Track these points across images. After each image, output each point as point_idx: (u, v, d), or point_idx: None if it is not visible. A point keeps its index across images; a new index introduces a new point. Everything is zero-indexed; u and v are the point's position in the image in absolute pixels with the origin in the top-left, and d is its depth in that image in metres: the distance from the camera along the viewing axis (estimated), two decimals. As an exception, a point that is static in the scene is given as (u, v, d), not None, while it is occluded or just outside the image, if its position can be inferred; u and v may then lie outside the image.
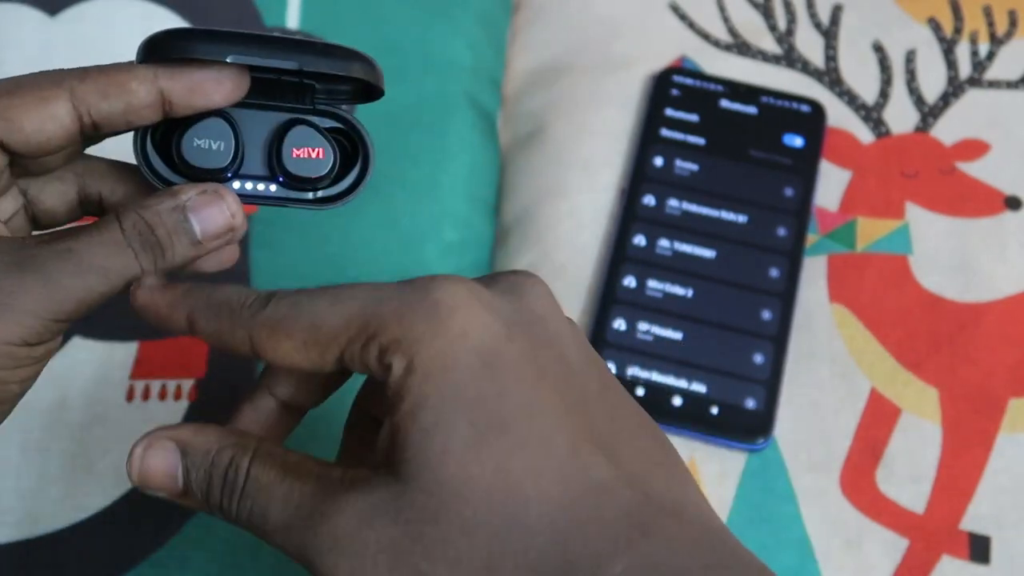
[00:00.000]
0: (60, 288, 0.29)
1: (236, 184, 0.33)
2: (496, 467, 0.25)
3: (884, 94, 0.56)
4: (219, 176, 0.32)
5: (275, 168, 0.33)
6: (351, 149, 0.34)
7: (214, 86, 0.31)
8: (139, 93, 0.30)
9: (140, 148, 0.32)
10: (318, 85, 0.33)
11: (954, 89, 0.56)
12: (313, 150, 0.33)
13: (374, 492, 0.26)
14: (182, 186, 0.31)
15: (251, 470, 0.28)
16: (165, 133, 0.32)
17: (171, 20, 0.53)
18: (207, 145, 0.32)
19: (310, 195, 0.34)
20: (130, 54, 0.54)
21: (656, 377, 0.47)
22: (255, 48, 0.32)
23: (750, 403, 0.47)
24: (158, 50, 0.31)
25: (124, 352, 0.45)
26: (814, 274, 0.51)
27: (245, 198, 0.33)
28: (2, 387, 0.30)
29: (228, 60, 0.31)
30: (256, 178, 0.33)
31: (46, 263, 0.29)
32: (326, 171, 0.33)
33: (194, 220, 0.30)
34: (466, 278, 0.28)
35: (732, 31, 0.57)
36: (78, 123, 0.30)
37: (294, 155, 0.33)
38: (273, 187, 0.33)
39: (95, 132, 0.31)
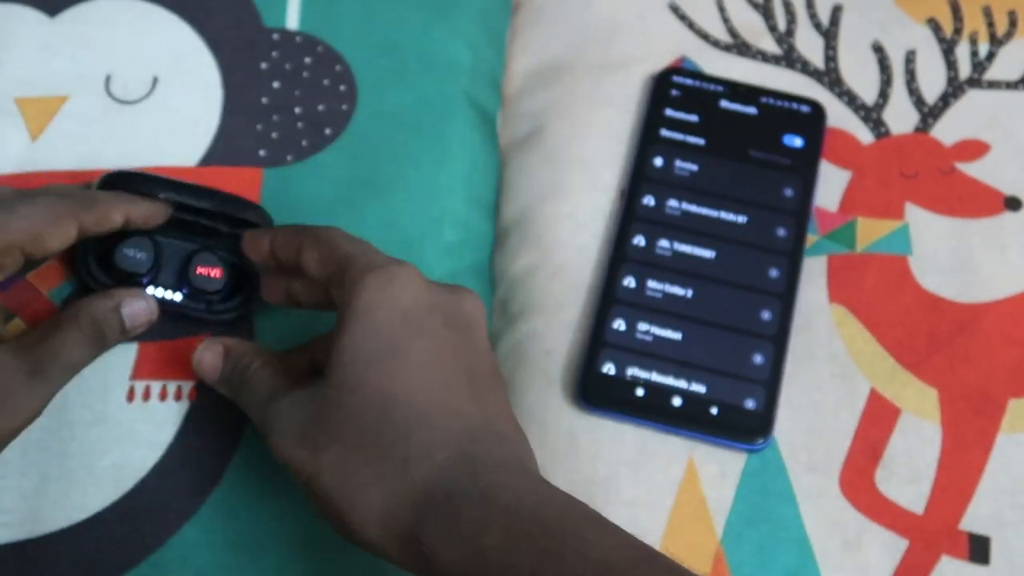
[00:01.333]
0: (52, 386, 0.40)
1: (151, 289, 0.44)
2: (385, 379, 0.36)
3: (884, 94, 0.56)
4: (139, 280, 0.44)
5: (181, 281, 0.45)
6: (246, 276, 0.45)
7: (156, 213, 0.44)
8: (116, 220, 0.43)
9: (83, 259, 0.44)
10: (223, 228, 0.45)
11: (954, 89, 0.56)
12: (212, 269, 0.44)
13: (307, 388, 0.38)
14: (115, 290, 0.43)
15: (257, 369, 0.41)
16: (99, 245, 0.44)
17: (170, 21, 0.53)
18: (134, 255, 0.43)
19: (204, 307, 0.45)
20: (130, 55, 0.54)
21: (656, 377, 0.47)
22: (180, 190, 0.45)
23: (750, 403, 0.47)
24: (119, 185, 0.44)
25: (124, 353, 0.45)
26: (814, 274, 0.51)
27: (157, 301, 0.44)
28: None
29: (160, 196, 0.44)
30: (167, 286, 0.45)
31: (44, 369, 0.40)
32: (220, 287, 0.45)
33: (125, 315, 0.42)
34: (422, 275, 0.39)
35: (732, 31, 0.57)
36: (76, 237, 0.42)
37: (197, 272, 0.44)
38: (178, 296, 0.45)
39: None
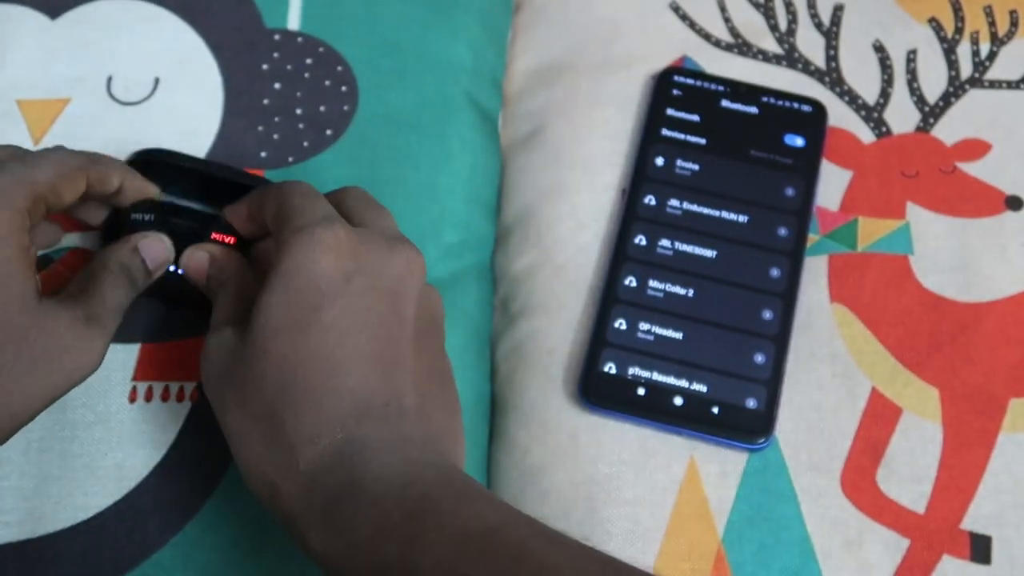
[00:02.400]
0: (107, 332, 0.40)
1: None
2: (289, 350, 0.36)
3: (885, 94, 0.56)
4: None
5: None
6: None
7: (149, 188, 0.45)
8: (113, 182, 0.43)
9: (106, 229, 0.45)
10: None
11: (955, 89, 0.56)
12: (227, 237, 0.44)
13: (234, 334, 0.38)
14: (131, 235, 0.43)
15: (226, 284, 0.41)
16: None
17: (171, 22, 0.53)
18: (141, 217, 0.44)
19: None
20: (131, 56, 0.54)
21: (657, 377, 0.47)
22: (206, 164, 0.47)
23: (751, 403, 0.47)
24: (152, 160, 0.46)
25: (126, 354, 0.45)
26: (815, 274, 0.51)
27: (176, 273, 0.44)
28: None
29: (186, 165, 0.46)
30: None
31: (99, 315, 0.39)
32: None
33: (144, 256, 0.42)
34: (354, 231, 0.38)
35: (733, 31, 0.57)
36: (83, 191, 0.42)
37: (212, 237, 0.44)
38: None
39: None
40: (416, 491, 0.34)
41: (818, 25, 0.57)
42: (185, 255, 0.43)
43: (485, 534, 0.32)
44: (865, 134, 0.54)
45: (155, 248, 0.43)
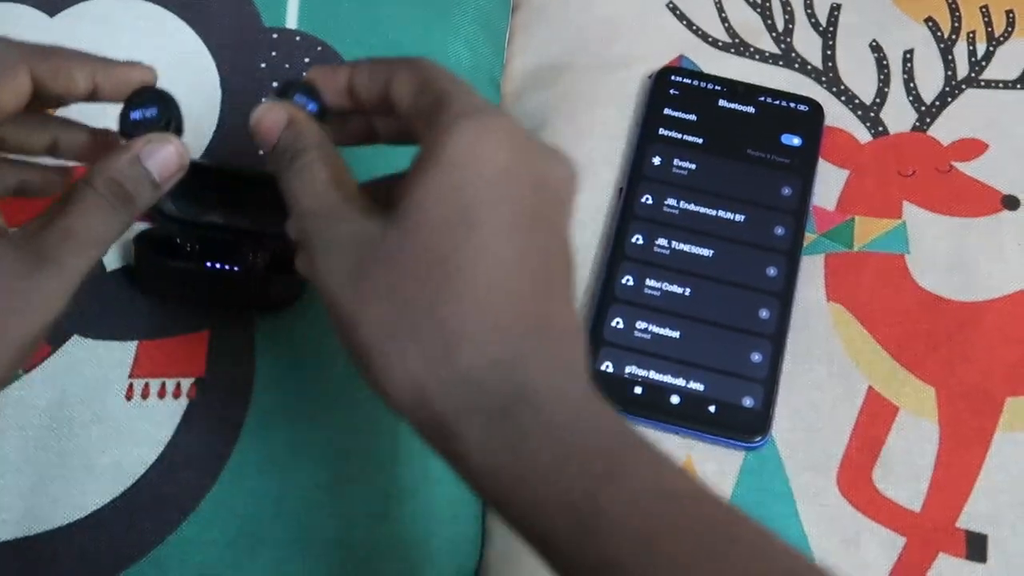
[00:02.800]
0: (69, 272, 0.34)
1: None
2: (452, 246, 0.31)
3: (882, 94, 0.56)
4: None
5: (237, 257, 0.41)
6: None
7: (136, 76, 0.38)
8: (77, 81, 0.36)
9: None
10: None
11: (952, 89, 0.56)
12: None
13: (369, 220, 0.33)
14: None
15: (314, 161, 0.35)
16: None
17: (170, 20, 0.53)
18: (141, 115, 0.37)
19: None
20: (129, 54, 0.54)
21: (654, 375, 0.48)
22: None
23: (748, 402, 0.47)
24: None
25: (123, 351, 0.45)
26: (812, 273, 0.51)
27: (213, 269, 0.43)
28: (9, 376, 0.34)
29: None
30: (222, 261, 0.43)
31: (55, 254, 0.33)
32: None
33: (151, 166, 0.36)
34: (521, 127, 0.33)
35: (730, 31, 0.57)
36: (32, 93, 0.36)
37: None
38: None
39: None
40: (598, 434, 0.31)
41: (815, 25, 0.58)
42: (259, 110, 0.36)
43: (681, 497, 0.30)
44: (862, 134, 0.55)
45: (165, 157, 0.36)
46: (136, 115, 0.36)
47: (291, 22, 0.54)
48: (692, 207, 0.51)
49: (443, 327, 0.31)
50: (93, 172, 0.35)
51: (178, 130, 0.37)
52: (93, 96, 0.37)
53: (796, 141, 0.53)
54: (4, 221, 0.35)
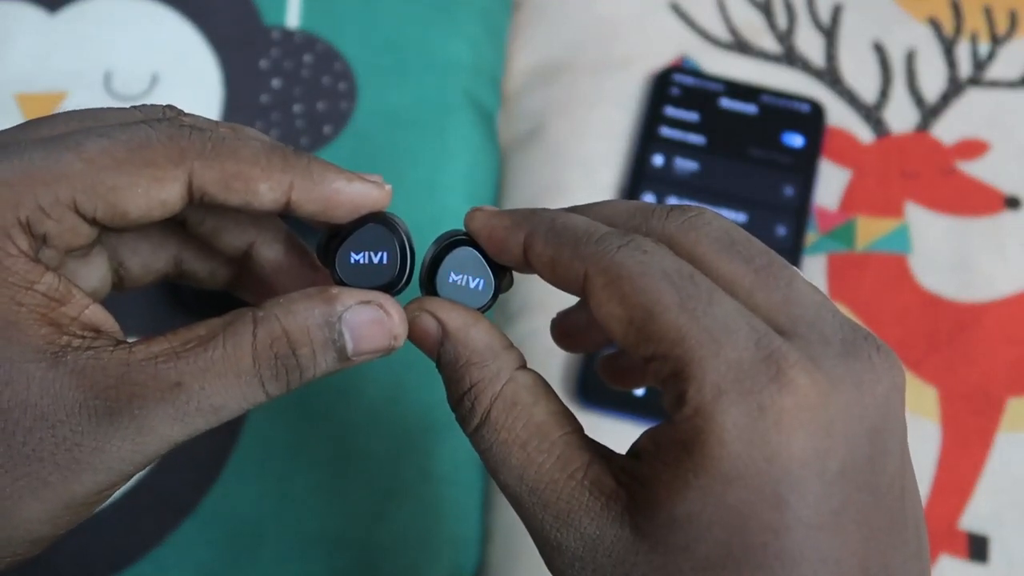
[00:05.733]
0: (155, 438, 0.24)
1: None
2: (747, 568, 0.22)
3: (884, 94, 0.56)
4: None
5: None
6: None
7: (361, 197, 0.26)
8: (265, 199, 0.26)
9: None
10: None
11: (954, 89, 0.56)
12: (474, 279, 0.28)
13: (611, 523, 0.24)
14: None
15: (492, 411, 0.25)
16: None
17: (171, 19, 0.53)
18: (366, 259, 0.26)
19: None
20: (130, 52, 0.54)
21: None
22: None
23: (749, 402, 0.47)
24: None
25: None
26: (813, 273, 0.51)
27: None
28: (46, 539, 0.25)
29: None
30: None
31: (146, 406, 0.24)
32: (485, 303, 0.28)
33: (348, 335, 0.25)
34: (804, 363, 0.23)
35: (732, 30, 0.57)
36: (186, 202, 0.25)
37: (451, 280, 0.27)
38: None
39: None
40: None
41: (817, 24, 0.57)
42: (406, 310, 0.26)
43: None
44: (864, 133, 0.54)
45: (375, 322, 0.26)
46: (359, 257, 0.26)
47: (292, 20, 0.54)
48: (694, 207, 0.51)
49: None
50: (267, 314, 0.25)
51: (407, 282, 0.27)
52: (287, 213, 0.26)
53: (798, 141, 0.53)
54: (116, 325, 0.26)
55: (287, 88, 0.52)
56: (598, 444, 0.26)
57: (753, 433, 0.22)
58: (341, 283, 0.26)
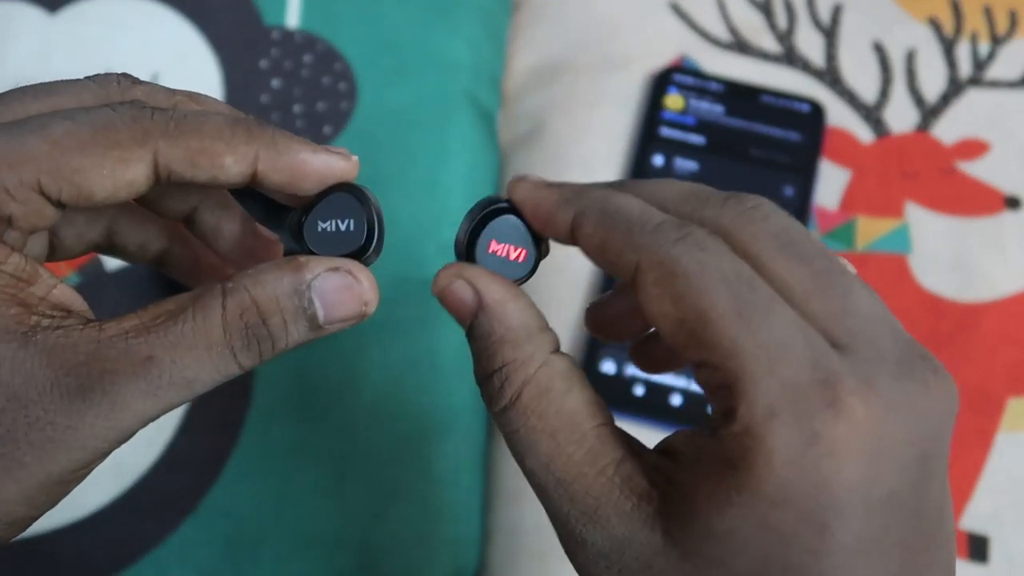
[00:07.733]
0: (129, 414, 0.24)
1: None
2: None
3: (884, 94, 0.56)
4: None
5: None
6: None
7: (327, 167, 0.26)
8: (231, 172, 0.25)
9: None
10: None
11: (954, 89, 0.56)
12: (512, 248, 0.27)
13: (644, 528, 0.23)
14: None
15: (523, 394, 0.24)
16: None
17: (171, 18, 0.53)
18: (333, 227, 0.26)
19: None
20: (130, 52, 0.54)
21: (655, 376, 0.47)
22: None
23: (749, 402, 0.47)
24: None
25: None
26: (813, 273, 0.51)
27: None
28: (23, 520, 0.25)
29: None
30: None
31: (117, 381, 0.23)
32: (525, 273, 0.27)
33: (318, 302, 0.25)
34: (859, 387, 0.22)
35: (732, 30, 0.57)
36: (153, 181, 0.25)
37: (490, 250, 0.26)
38: None
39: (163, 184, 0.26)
40: None
41: (817, 24, 0.57)
42: (440, 276, 0.26)
43: None
44: (864, 133, 0.54)
45: (344, 288, 0.26)
46: (326, 225, 0.26)
47: (292, 21, 0.54)
48: (694, 207, 0.51)
49: None
50: (236, 285, 0.25)
51: (377, 251, 0.27)
52: (254, 186, 0.26)
53: (798, 141, 0.53)
54: (85, 304, 0.26)
55: (287, 88, 0.52)
56: (630, 437, 0.25)
57: (804, 459, 0.21)
58: (310, 253, 0.26)
